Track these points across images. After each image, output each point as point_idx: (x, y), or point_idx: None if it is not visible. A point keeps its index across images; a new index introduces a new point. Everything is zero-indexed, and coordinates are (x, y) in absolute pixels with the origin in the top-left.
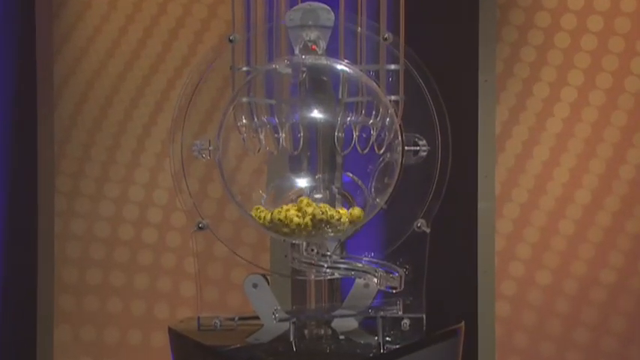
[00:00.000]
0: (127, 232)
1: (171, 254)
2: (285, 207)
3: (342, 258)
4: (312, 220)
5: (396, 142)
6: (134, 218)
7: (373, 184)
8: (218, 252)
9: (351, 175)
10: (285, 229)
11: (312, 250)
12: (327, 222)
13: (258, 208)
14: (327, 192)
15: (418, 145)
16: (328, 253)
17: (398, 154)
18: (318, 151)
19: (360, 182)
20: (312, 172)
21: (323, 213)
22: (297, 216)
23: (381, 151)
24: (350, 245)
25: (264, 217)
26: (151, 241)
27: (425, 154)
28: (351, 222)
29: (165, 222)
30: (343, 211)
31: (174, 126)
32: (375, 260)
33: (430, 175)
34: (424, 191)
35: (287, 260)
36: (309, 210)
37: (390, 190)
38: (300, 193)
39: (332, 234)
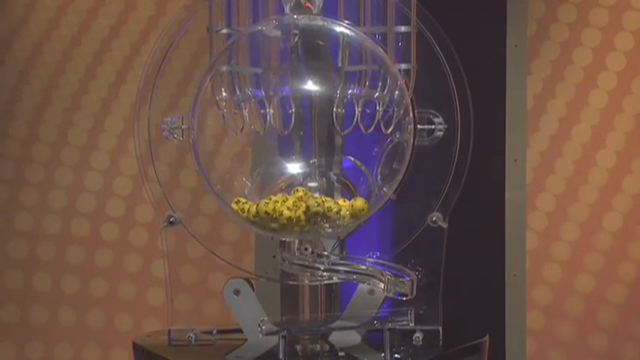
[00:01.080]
0: (81, 228)
1: (135, 255)
2: (273, 198)
3: (341, 259)
4: (305, 213)
5: (407, 119)
6: (90, 211)
7: (379, 169)
8: (192, 252)
9: (352, 159)
10: (274, 224)
11: (306, 249)
12: (324, 215)
13: (241, 200)
14: (324, 179)
15: (433, 123)
16: (325, 253)
17: (409, 134)
18: (312, 131)
19: (363, 168)
20: (305, 155)
21: (319, 205)
22: (288, 208)
23: (389, 131)
24: (351, 244)
25: (249, 209)
26: (111, 239)
27: (441, 133)
28: (352, 215)
29: (129, 216)
30: (343, 202)
31: (140, 100)
32: (381, 261)
33: (448, 160)
34: (440, 179)
35: (275, 262)
36: (303, 201)
37: (400, 177)
38: (292, 180)
39: (330, 230)
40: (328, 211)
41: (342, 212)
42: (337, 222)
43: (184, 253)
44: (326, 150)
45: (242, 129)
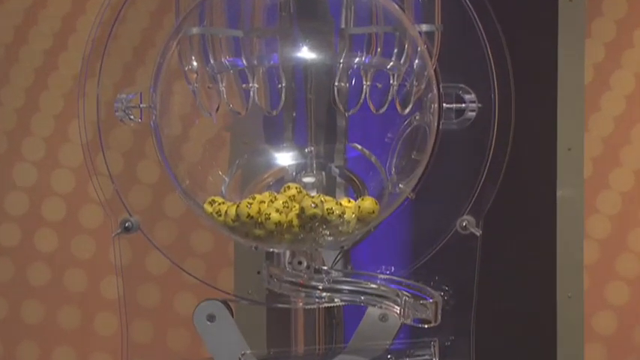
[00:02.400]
0: (10, 238)
1: (79, 271)
2: (258, 197)
3: (345, 275)
4: (299, 216)
5: (430, 96)
6: (21, 214)
7: (394, 161)
8: (154, 266)
9: (359, 147)
10: (259, 231)
11: (300, 263)
12: (323, 220)
13: (217, 200)
14: (323, 174)
15: (463, 101)
16: (325, 268)
17: (432, 115)
18: (308, 111)
19: (373, 158)
20: (299, 142)
21: (316, 206)
22: (277, 210)
23: (407, 111)
24: (358, 256)
25: (226, 212)
26: (47, 250)
27: (474, 114)
28: (359, 219)
29: (71, 220)
30: (348, 202)
31: (85, 71)
32: (397, 279)
33: (482, 148)
34: (472, 173)
35: (261, 279)
36: (296, 201)
37: (420, 170)
38: (282, 174)
39: (330, 238)
40: (329, 213)
41: (346, 215)
42: (340, 228)
43: (143, 267)
44: (325, 135)
45: (218, 109)
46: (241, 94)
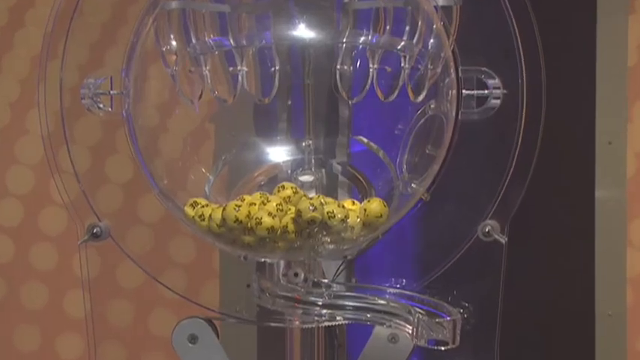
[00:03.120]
0: None
1: (38, 283)
2: (247, 198)
3: (349, 289)
4: (295, 221)
5: (447, 81)
6: None
7: (406, 156)
8: (126, 279)
9: (365, 140)
10: (248, 238)
11: (297, 275)
12: (324, 225)
13: (200, 201)
14: (324, 171)
15: (486, 87)
16: (325, 281)
17: (450, 104)
18: (306, 99)
19: (381, 153)
20: (295, 135)
21: (315, 209)
22: (270, 214)
23: (420, 98)
24: (364, 267)
25: (211, 215)
26: (1, 260)
27: (498, 102)
28: (365, 224)
29: (29, 225)
30: (352, 205)
31: (47, 52)
32: (408, 293)
33: (507, 142)
34: (497, 170)
35: (250, 293)
36: (291, 204)
37: (436, 167)
38: (275, 172)
39: (332, 246)
40: (329, 217)
41: (349, 220)
42: (343, 234)
43: (113, 280)
44: (326, 127)
45: (201, 96)
46: (228, 78)
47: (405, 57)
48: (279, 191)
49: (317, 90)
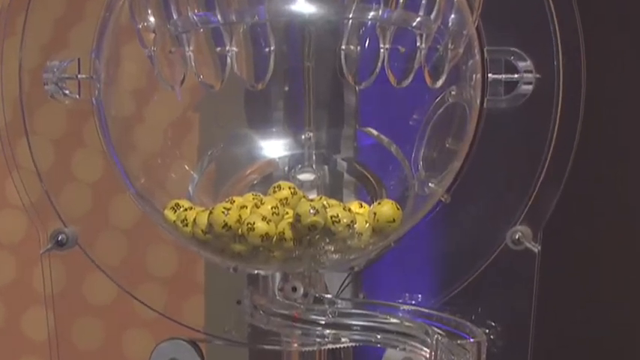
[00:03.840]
0: None
1: None
2: (238, 200)
3: (356, 306)
4: (294, 226)
5: (470, 63)
6: None
7: (422, 151)
8: (96, 294)
9: (375, 132)
10: (239, 246)
11: (295, 289)
12: (327, 231)
13: (182, 204)
14: (326, 168)
15: (516, 71)
16: (329, 297)
17: (474, 90)
18: (306, 84)
19: (394, 147)
20: (293, 126)
21: (317, 212)
22: (264, 218)
23: (439, 83)
24: (373, 280)
25: (195, 220)
26: None
27: (530, 88)
28: (375, 230)
29: None
30: (360, 207)
31: (2, 30)
32: (425, 310)
33: (540, 134)
34: (528, 169)
35: (241, 311)
36: (289, 206)
37: (458, 163)
38: (270, 170)
39: (336, 256)
40: (333, 222)
41: (357, 225)
42: (349, 242)
43: (81, 295)
44: (329, 117)
45: (183, 80)
46: (215, 60)
47: (421, 35)
48: (274, 192)
49: (318, 74)
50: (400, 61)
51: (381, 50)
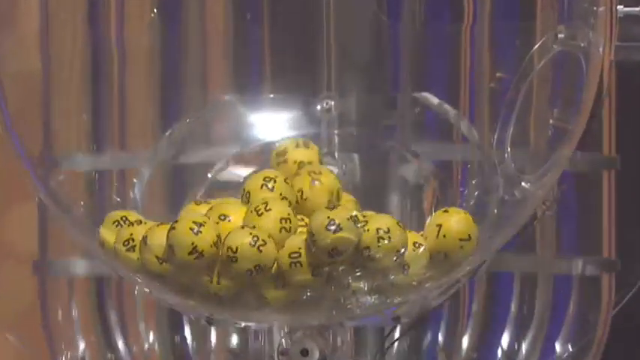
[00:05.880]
0: None
1: None
2: (217, 205)
3: None
4: (310, 247)
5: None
6: None
7: (510, 131)
8: None
9: (435, 101)
10: (216, 285)
11: (306, 353)
12: (360, 255)
13: (130, 216)
14: (356, 157)
15: None
16: None
17: (594, 30)
18: (323, 23)
19: (464, 124)
20: (301, 89)
21: (340, 228)
22: (252, 234)
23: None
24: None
25: (145, 242)
26: None
27: None
28: (436, 256)
29: None
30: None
31: None
32: None
33: None
34: None
35: None
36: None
37: (569, 150)
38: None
39: (373, 298)
40: (379, 240)
41: (410, 248)
42: (394, 275)
43: None
44: (361, 77)
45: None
46: None
47: None
48: (278, 165)
49: (341, 7)
50: None
51: None
